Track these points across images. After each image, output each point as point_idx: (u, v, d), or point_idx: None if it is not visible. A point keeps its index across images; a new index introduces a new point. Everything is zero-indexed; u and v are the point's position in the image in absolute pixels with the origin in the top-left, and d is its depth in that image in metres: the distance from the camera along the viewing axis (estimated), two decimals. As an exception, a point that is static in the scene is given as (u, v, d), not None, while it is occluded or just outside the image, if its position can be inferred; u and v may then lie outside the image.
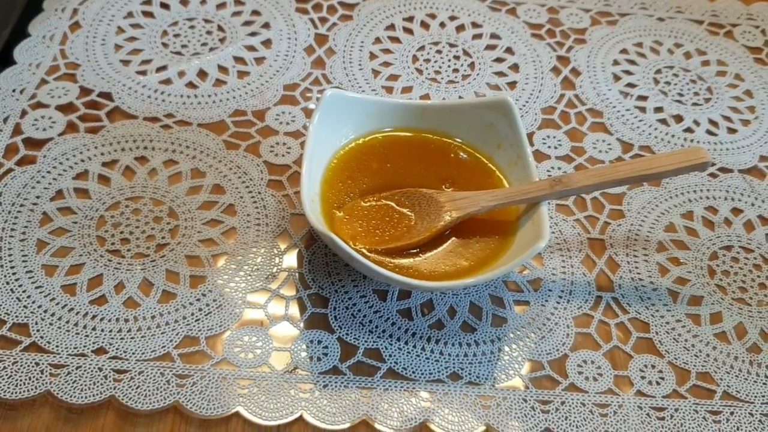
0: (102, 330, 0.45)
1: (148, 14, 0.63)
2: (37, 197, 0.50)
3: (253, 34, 0.62)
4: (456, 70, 0.63)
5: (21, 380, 0.42)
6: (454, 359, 0.46)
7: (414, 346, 0.46)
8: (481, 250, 0.48)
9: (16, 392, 0.42)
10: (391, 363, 0.46)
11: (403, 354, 0.46)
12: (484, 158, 0.52)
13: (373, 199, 0.49)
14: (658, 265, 0.52)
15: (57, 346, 0.44)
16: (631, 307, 0.50)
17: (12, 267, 0.47)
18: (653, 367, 0.48)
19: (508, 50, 0.65)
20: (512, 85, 0.62)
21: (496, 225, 0.49)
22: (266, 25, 0.63)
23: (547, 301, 0.49)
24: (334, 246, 0.43)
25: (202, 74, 0.59)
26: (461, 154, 0.52)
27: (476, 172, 0.51)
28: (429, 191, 0.49)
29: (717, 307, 0.51)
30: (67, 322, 0.45)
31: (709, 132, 0.61)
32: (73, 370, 0.43)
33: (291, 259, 0.50)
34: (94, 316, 0.45)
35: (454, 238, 0.48)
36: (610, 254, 0.53)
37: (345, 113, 0.51)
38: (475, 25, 0.66)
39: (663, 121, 0.61)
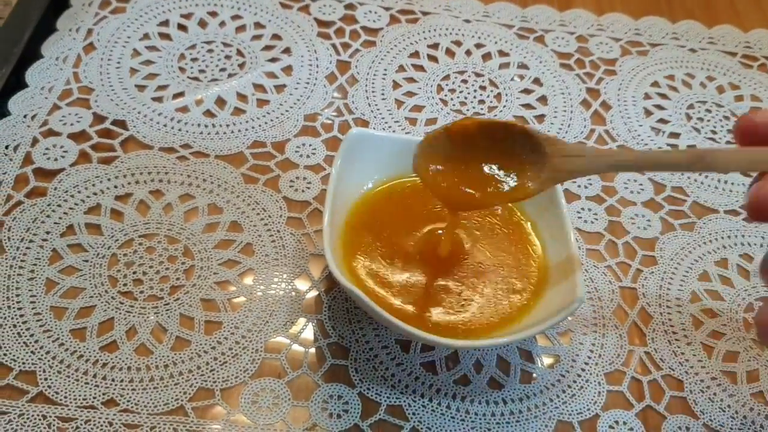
0: (112, 380, 0.43)
1: (165, 36, 0.61)
2: (47, 232, 0.48)
3: (273, 59, 0.60)
4: (482, 102, 0.60)
5: (27, 435, 0.40)
6: (480, 418, 0.44)
7: (439, 404, 0.44)
8: (510, 304, 0.45)
9: (21, 448, 0.40)
10: (414, 422, 0.43)
11: (427, 412, 0.44)
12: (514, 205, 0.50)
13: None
14: (691, 317, 0.50)
15: (65, 397, 0.42)
16: (664, 363, 0.48)
17: (20, 308, 0.45)
18: (688, 429, 0.45)
19: (536, 81, 0.62)
20: (540, 118, 0.60)
21: (525, 277, 0.47)
22: (287, 51, 0.61)
23: (577, 355, 0.47)
24: (358, 300, 0.41)
25: (221, 102, 0.57)
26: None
27: (507, 222, 0.49)
28: (536, 132, 0.40)
29: (754, 364, 0.49)
30: (77, 370, 0.43)
31: (743, 173, 0.59)
32: (81, 425, 0.41)
33: (310, 305, 0.48)
34: (104, 364, 0.43)
35: (481, 292, 0.46)
36: (643, 304, 0.50)
37: (369, 152, 0.48)
38: (502, 53, 0.64)
39: (696, 161, 0.59)
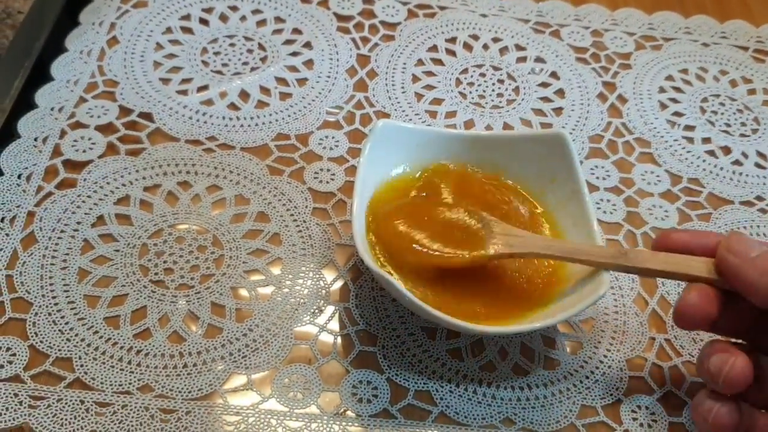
0: (147, 366, 0.44)
1: (187, 30, 0.62)
2: (78, 223, 0.49)
3: (294, 53, 0.61)
4: (500, 95, 0.61)
5: (66, 419, 0.41)
6: (507, 403, 0.45)
7: (465, 389, 0.45)
8: (534, 293, 0.46)
9: (61, 432, 0.41)
10: (442, 407, 0.44)
11: (454, 397, 0.45)
12: (535, 192, 0.50)
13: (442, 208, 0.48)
14: (709, 305, 0.51)
15: (101, 383, 0.43)
16: (684, 350, 0.49)
17: (54, 297, 0.46)
18: (708, 413, 0.46)
19: (553, 74, 0.63)
20: (558, 111, 0.61)
21: (548, 263, 0.48)
22: (308, 45, 0.62)
23: (600, 342, 0.48)
24: (389, 286, 0.42)
25: (244, 95, 0.58)
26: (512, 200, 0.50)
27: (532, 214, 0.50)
28: (488, 216, 0.47)
29: (771, 351, 0.50)
30: (111, 357, 0.44)
31: (757, 165, 0.60)
32: (118, 409, 0.42)
33: (337, 293, 0.48)
34: (138, 351, 0.44)
35: (506, 280, 0.47)
36: (662, 293, 0.51)
37: (396, 143, 0.49)
38: (519, 47, 0.65)
39: (711, 153, 0.60)
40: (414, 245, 0.45)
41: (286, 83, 0.59)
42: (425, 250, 0.45)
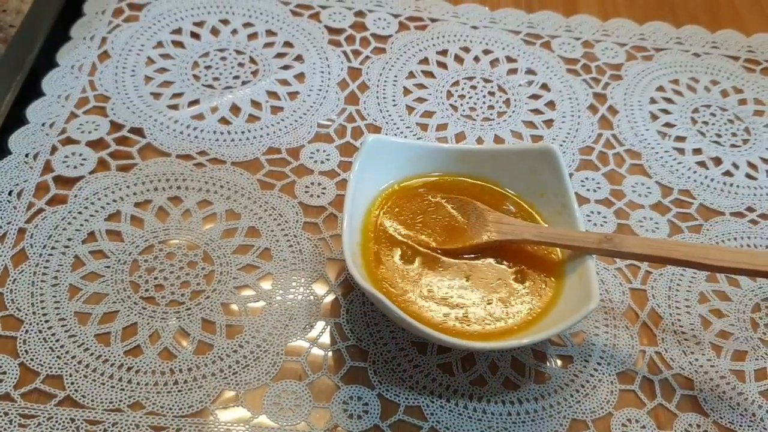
0: (138, 383, 0.44)
1: (178, 44, 0.62)
2: (69, 239, 0.49)
3: (286, 67, 0.61)
4: (491, 107, 0.62)
5: (56, 438, 0.41)
6: (497, 418, 0.45)
7: (456, 404, 0.45)
8: (524, 306, 0.46)
9: (51, 450, 0.41)
10: (433, 422, 0.44)
11: (445, 412, 0.45)
12: (526, 205, 0.51)
13: (428, 197, 0.50)
14: (700, 318, 0.51)
15: (92, 401, 0.43)
16: (674, 363, 0.49)
17: (44, 314, 0.46)
18: (698, 426, 0.47)
19: (544, 86, 0.64)
20: (549, 123, 0.61)
21: (539, 278, 0.48)
22: (299, 58, 0.62)
23: (590, 356, 0.48)
24: (378, 302, 0.42)
25: (235, 109, 0.58)
26: (509, 206, 0.51)
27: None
28: (482, 206, 0.50)
29: (761, 363, 0.50)
30: (102, 374, 0.44)
31: (748, 176, 0.60)
32: (109, 427, 0.42)
33: (328, 308, 0.49)
34: (129, 368, 0.44)
35: (497, 295, 0.47)
36: (652, 306, 0.51)
37: (386, 158, 0.50)
38: (509, 59, 0.65)
39: (702, 164, 0.60)
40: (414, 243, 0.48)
41: (277, 97, 0.59)
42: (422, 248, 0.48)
